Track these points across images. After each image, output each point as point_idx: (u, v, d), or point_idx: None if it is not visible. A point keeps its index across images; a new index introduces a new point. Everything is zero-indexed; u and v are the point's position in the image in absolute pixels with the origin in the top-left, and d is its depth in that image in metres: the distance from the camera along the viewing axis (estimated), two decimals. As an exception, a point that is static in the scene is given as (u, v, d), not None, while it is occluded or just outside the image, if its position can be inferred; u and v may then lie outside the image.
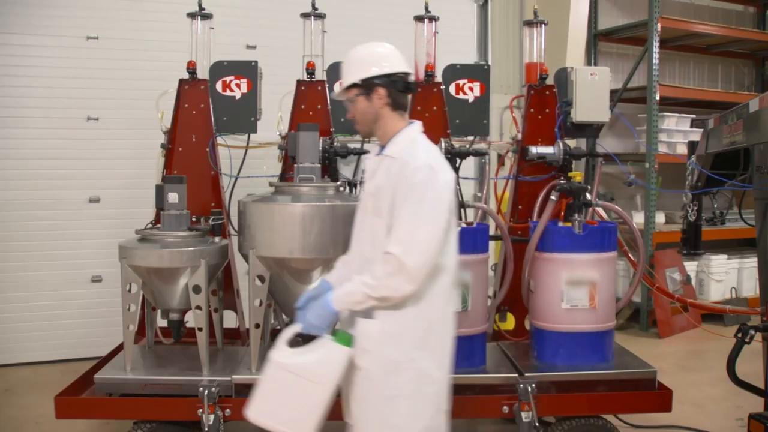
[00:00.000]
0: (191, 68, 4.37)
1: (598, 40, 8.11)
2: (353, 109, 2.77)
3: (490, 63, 7.23)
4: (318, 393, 2.63)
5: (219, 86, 4.47)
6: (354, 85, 2.72)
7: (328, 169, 4.20)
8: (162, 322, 4.16)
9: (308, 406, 2.64)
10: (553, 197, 4.02)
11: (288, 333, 2.71)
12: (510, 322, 4.63)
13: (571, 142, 4.65)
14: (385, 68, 2.71)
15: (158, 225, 3.94)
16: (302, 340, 2.71)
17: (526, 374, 3.72)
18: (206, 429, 3.47)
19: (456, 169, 4.27)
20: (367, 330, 2.66)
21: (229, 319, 4.46)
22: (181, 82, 4.40)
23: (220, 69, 4.48)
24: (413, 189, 2.53)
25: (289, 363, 2.67)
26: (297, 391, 2.64)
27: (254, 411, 2.71)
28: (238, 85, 4.48)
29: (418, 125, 2.78)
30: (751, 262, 7.54)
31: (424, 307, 2.62)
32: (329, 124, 4.39)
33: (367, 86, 2.71)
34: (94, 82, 5.86)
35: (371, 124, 2.76)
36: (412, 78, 2.78)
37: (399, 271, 2.50)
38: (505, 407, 3.62)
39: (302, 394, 2.64)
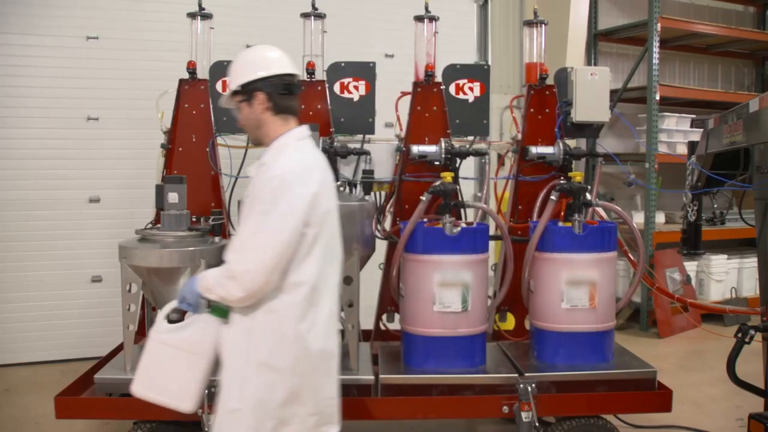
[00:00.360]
0: (191, 68, 4.38)
1: (598, 40, 8.11)
2: (240, 117, 2.76)
3: (490, 63, 7.23)
4: (196, 364, 2.76)
5: (219, 86, 4.47)
6: (236, 92, 2.71)
7: (328, 169, 4.20)
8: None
9: (188, 376, 2.78)
10: (553, 197, 4.02)
11: (166, 309, 2.81)
12: (510, 322, 4.63)
13: (571, 142, 4.65)
14: (263, 72, 2.69)
15: (158, 225, 3.95)
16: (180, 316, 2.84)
17: (526, 374, 3.72)
18: (206, 429, 3.47)
19: (456, 169, 4.29)
20: (224, 337, 2.68)
21: (229, 319, 4.45)
22: (181, 82, 4.40)
23: (220, 69, 4.47)
24: (262, 198, 2.53)
25: (167, 337, 2.80)
26: (177, 364, 2.77)
27: (138, 386, 2.84)
28: (238, 85, 4.47)
29: (297, 131, 2.74)
30: (751, 262, 7.54)
31: (274, 320, 2.58)
32: (329, 124, 4.39)
33: (247, 92, 2.69)
34: (94, 82, 5.86)
35: (255, 130, 2.75)
36: (297, 80, 2.77)
37: (230, 278, 2.52)
38: (505, 407, 3.62)
39: (182, 366, 2.77)
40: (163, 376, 2.81)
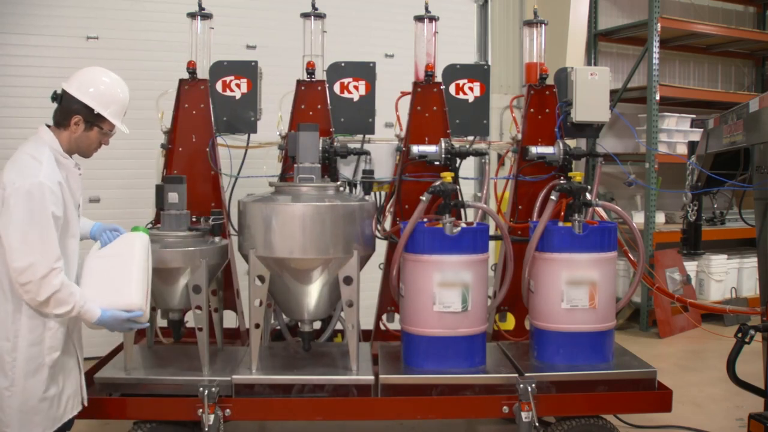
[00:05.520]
0: (191, 68, 4.37)
1: (598, 40, 8.11)
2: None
3: (490, 63, 7.23)
4: (125, 263, 3.13)
5: (219, 86, 4.47)
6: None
7: (328, 169, 4.20)
8: (162, 322, 4.16)
9: (123, 275, 3.10)
10: (553, 197, 4.03)
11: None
12: (510, 322, 4.63)
13: (571, 142, 4.65)
14: None
15: (158, 225, 3.95)
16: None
17: (526, 374, 3.72)
18: (206, 429, 3.47)
19: (456, 169, 4.29)
20: None
21: (229, 319, 4.46)
22: (181, 82, 4.40)
23: (220, 69, 4.48)
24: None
25: (96, 253, 3.20)
26: (109, 269, 3.10)
27: (90, 302, 2.97)
28: (238, 85, 4.48)
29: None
30: (751, 262, 7.54)
31: None
32: (329, 124, 4.39)
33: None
34: (94, 82, 5.85)
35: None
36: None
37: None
38: (505, 407, 3.62)
39: (114, 269, 3.10)
40: (103, 284, 3.06)
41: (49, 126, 3.03)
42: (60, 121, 3.00)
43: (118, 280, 3.07)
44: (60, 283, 2.76)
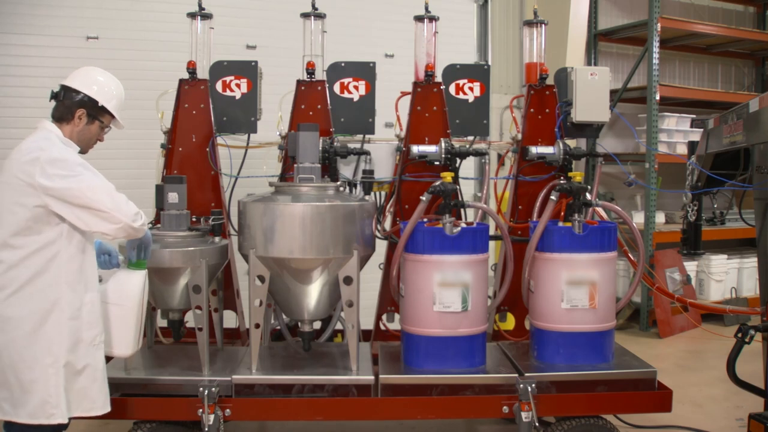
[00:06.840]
0: (191, 68, 4.37)
1: (598, 40, 8.11)
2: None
3: (490, 63, 7.23)
4: (122, 313, 3.21)
5: (219, 86, 4.48)
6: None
7: (328, 169, 4.20)
8: (162, 322, 4.16)
9: (119, 326, 3.21)
10: (553, 197, 4.02)
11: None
12: (510, 322, 4.63)
13: (571, 142, 4.65)
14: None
15: (158, 225, 3.95)
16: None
17: (526, 374, 3.72)
18: (206, 429, 3.47)
19: (456, 169, 4.29)
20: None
21: (229, 319, 4.46)
22: (181, 82, 4.40)
23: (220, 69, 4.48)
24: None
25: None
26: (111, 317, 3.20)
27: None
28: (238, 85, 4.48)
29: None
30: (751, 262, 7.55)
31: None
32: (329, 124, 4.40)
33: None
34: (94, 82, 5.86)
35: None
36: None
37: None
38: (505, 407, 3.62)
39: (111, 318, 3.19)
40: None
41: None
42: (63, 116, 3.10)
43: (117, 331, 3.23)
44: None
